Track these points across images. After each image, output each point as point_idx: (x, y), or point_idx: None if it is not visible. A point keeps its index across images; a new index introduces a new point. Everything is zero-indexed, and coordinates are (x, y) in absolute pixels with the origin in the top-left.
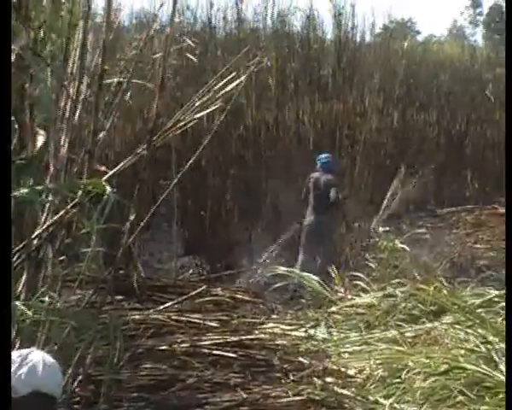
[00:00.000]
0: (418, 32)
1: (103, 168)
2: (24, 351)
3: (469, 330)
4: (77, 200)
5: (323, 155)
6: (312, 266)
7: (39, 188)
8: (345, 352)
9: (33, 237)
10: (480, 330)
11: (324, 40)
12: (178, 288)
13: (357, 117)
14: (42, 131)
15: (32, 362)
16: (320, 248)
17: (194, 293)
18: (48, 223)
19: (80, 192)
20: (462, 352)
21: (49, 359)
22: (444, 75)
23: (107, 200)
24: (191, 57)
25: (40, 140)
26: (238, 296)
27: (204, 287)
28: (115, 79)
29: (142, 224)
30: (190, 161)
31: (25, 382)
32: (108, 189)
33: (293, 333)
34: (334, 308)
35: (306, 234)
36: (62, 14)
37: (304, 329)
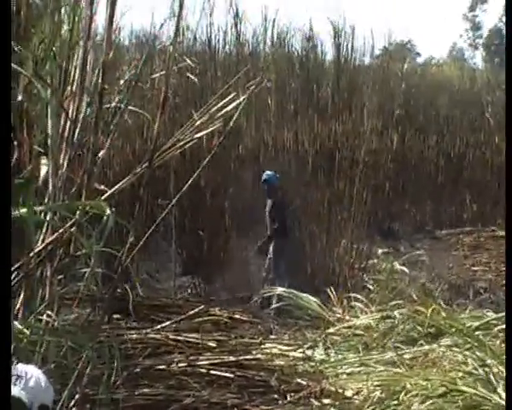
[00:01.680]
0: (418, 54)
1: (102, 187)
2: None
3: (467, 353)
4: (75, 219)
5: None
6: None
7: (38, 208)
8: (342, 373)
9: (31, 255)
10: (477, 353)
11: (324, 61)
12: (176, 307)
13: (356, 138)
14: (44, 160)
15: (25, 378)
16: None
17: (192, 313)
18: (46, 242)
19: (79, 212)
20: (460, 375)
21: (37, 371)
22: (443, 97)
23: (106, 221)
24: (191, 77)
25: (43, 169)
26: (236, 316)
27: (202, 307)
28: (115, 98)
29: (140, 243)
30: (189, 182)
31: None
32: (108, 210)
33: (291, 354)
34: (332, 329)
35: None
36: (62, 34)
37: (302, 350)
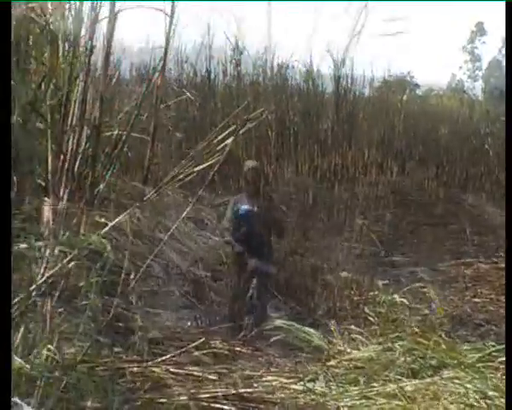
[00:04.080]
0: (417, 86)
1: (103, 220)
2: None
3: (469, 386)
4: (75, 254)
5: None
6: None
7: (38, 243)
8: (344, 406)
9: (32, 289)
10: (479, 386)
11: (324, 93)
12: (177, 340)
13: (356, 170)
14: (48, 200)
15: None
16: None
17: (192, 345)
18: (46, 275)
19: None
20: (462, 407)
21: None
22: (443, 129)
23: (105, 258)
24: (190, 110)
25: (46, 210)
26: (237, 349)
27: (202, 339)
28: (115, 132)
29: (138, 275)
30: (186, 210)
31: None
32: (108, 247)
33: (292, 386)
34: (332, 362)
35: None
36: (63, 68)
37: (302, 382)
